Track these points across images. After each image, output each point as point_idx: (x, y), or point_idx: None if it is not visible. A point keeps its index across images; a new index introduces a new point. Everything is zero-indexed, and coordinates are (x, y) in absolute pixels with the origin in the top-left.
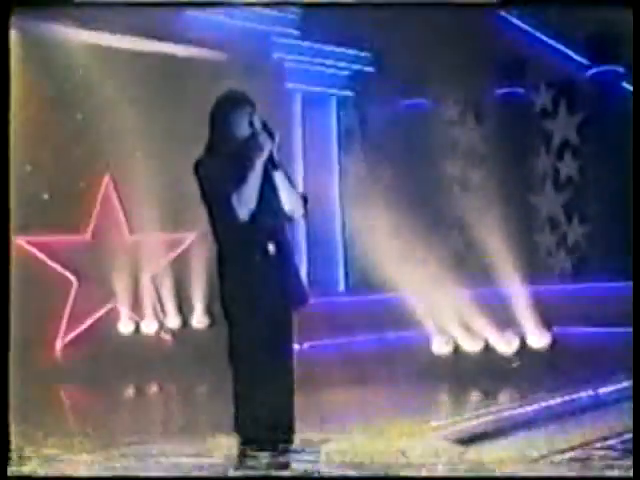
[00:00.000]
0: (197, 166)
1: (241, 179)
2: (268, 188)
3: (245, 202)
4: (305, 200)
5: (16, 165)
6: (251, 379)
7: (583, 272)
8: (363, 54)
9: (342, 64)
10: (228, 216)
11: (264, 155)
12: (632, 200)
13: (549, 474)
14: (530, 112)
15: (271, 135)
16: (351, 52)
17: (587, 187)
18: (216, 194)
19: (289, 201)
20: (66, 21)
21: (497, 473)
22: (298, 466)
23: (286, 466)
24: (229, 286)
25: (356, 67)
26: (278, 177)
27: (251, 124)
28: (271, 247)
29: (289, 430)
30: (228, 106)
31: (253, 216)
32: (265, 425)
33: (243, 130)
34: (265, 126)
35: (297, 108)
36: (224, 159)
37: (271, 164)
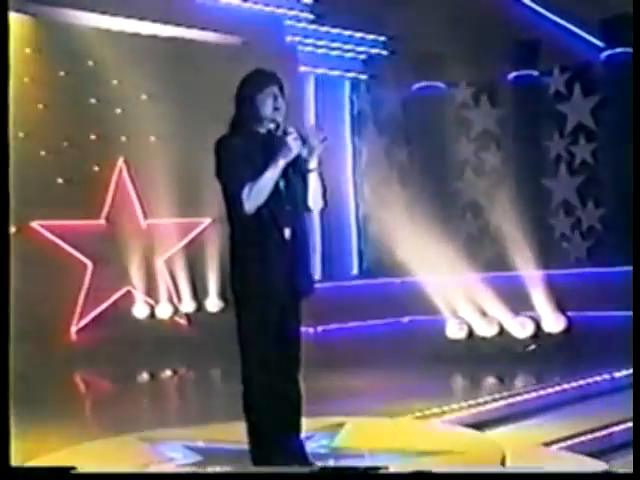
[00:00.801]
0: (218, 144)
1: (258, 173)
2: (298, 181)
3: (255, 198)
4: (324, 191)
5: (30, 150)
6: (258, 364)
7: (598, 256)
8: (376, 37)
9: (355, 47)
10: (235, 205)
11: (290, 157)
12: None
13: (559, 462)
14: (544, 95)
15: (302, 139)
16: (364, 35)
17: (602, 171)
18: (229, 181)
19: (315, 198)
20: (79, 5)
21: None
22: (309, 450)
23: (297, 451)
24: (240, 269)
25: (369, 50)
26: (312, 177)
27: (276, 108)
28: (287, 233)
29: (297, 415)
30: (253, 86)
31: (271, 203)
32: (273, 410)
33: (267, 111)
34: (305, 130)
35: (310, 91)
36: (247, 145)
37: (305, 167)
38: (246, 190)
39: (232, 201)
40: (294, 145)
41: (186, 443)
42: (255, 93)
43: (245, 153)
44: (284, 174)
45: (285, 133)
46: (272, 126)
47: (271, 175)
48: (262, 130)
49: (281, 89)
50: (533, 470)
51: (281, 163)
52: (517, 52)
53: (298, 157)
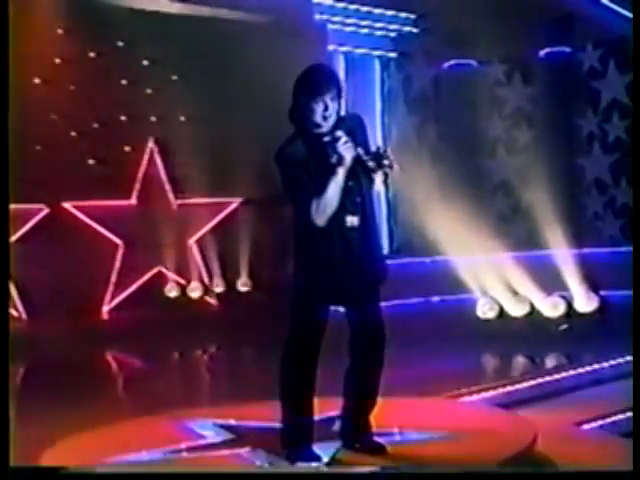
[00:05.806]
0: (279, 156)
1: (321, 183)
2: (364, 176)
3: (323, 212)
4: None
5: (62, 132)
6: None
7: (631, 235)
8: (406, 15)
9: (385, 25)
10: (306, 219)
11: (347, 164)
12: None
13: (591, 441)
14: (577, 71)
15: (355, 142)
16: (394, 13)
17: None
18: (295, 197)
19: None
20: None
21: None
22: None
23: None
24: (308, 257)
25: (400, 28)
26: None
27: (324, 117)
28: (356, 220)
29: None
30: (305, 89)
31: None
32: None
33: (316, 118)
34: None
35: (340, 70)
36: (304, 152)
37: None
38: (313, 207)
39: (302, 217)
40: (346, 152)
41: (217, 421)
42: (305, 99)
43: (305, 163)
44: (351, 170)
45: (334, 139)
46: (320, 131)
47: (334, 187)
48: (316, 131)
49: (338, 92)
50: (533, 470)
51: (341, 173)
52: (549, 28)
53: (358, 156)
